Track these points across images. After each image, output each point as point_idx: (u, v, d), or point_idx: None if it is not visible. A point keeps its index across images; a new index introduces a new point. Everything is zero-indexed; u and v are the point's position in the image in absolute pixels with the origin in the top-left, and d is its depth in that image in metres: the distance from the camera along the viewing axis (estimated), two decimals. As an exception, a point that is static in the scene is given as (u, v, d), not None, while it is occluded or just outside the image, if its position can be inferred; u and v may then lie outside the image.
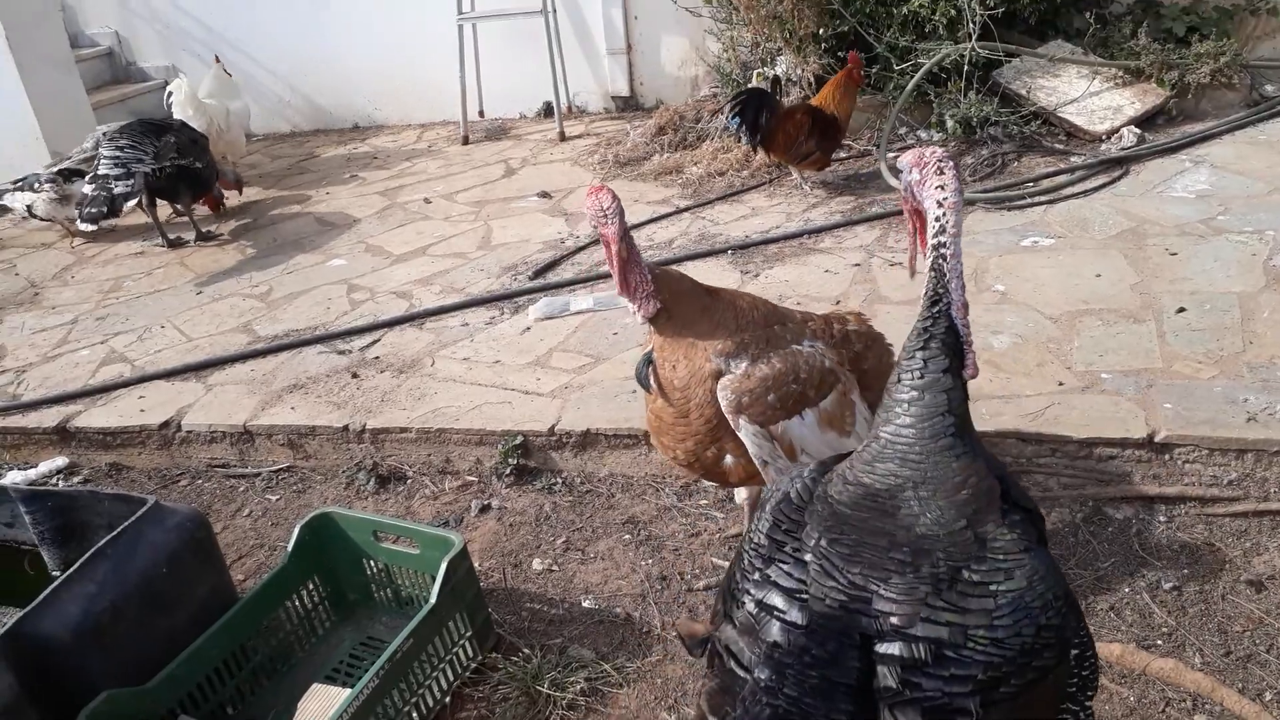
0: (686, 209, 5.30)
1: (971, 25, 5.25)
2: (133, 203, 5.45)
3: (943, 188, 1.59)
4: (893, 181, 5.08)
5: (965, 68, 5.34)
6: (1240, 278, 3.71)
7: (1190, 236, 4.09)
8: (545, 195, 5.85)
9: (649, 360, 2.43)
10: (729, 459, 2.42)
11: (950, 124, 5.47)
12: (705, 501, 3.22)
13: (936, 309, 1.56)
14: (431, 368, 4.00)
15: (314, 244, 5.59)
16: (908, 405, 1.54)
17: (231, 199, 6.38)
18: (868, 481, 1.54)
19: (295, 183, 6.95)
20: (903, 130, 5.79)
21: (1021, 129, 5.33)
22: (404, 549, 2.74)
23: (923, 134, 5.67)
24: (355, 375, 3.99)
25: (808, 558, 1.52)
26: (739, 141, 5.46)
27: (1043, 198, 4.70)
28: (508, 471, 3.42)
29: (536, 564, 3.05)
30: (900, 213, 4.69)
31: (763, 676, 1.48)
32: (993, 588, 1.40)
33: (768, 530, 1.60)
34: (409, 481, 3.53)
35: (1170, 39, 5.63)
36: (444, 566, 2.47)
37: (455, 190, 6.18)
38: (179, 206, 6.02)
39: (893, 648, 1.40)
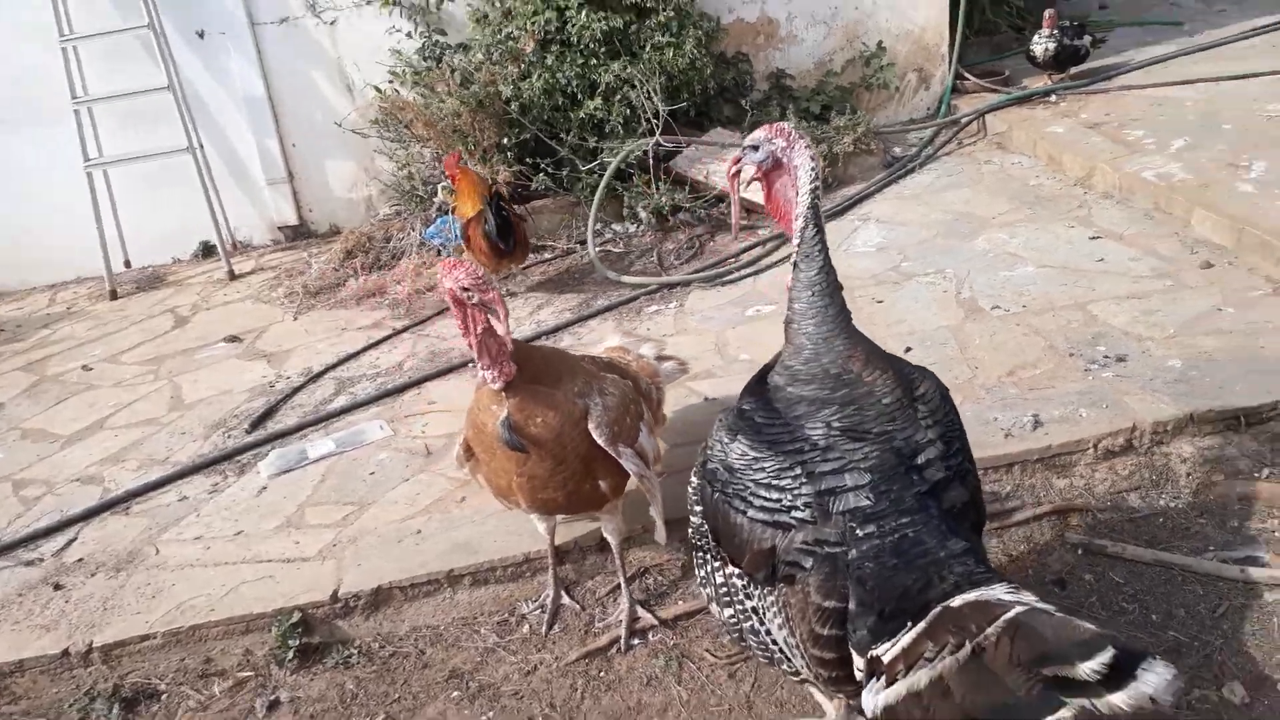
0: (405, 329, 5.01)
1: (654, 121, 5.52)
2: None
3: (808, 145, 2.17)
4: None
5: (651, 162, 5.58)
6: (942, 313, 4.12)
7: (886, 284, 4.51)
8: (234, 339, 5.27)
9: (509, 424, 2.45)
10: (602, 484, 2.64)
11: (644, 215, 5.68)
12: (526, 630, 2.94)
13: (817, 228, 2.12)
14: (157, 556, 3.37)
15: (-52, 441, 4.60)
16: (825, 309, 2.11)
17: None
18: (826, 368, 2.10)
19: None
20: (598, 226, 5.91)
21: (708, 211, 5.65)
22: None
23: (618, 227, 5.83)
24: (58, 586, 3.27)
25: (820, 440, 2.02)
26: (455, 253, 5.29)
27: (747, 271, 4.98)
28: (289, 656, 2.93)
29: (358, 755, 2.61)
30: (629, 301, 4.79)
31: (868, 530, 1.91)
32: (933, 405, 2.12)
33: (760, 456, 2.05)
34: (165, 697, 2.91)
35: (809, 117, 6.29)
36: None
37: (119, 351, 5.40)
38: None
39: (929, 454, 2.03)
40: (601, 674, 2.74)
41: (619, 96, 5.74)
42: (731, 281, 4.90)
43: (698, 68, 5.91)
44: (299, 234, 7.01)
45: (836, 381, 2.08)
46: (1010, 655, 1.52)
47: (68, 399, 4.86)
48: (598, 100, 5.73)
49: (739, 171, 2.37)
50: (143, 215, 6.71)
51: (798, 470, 2.00)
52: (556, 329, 4.69)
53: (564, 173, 5.79)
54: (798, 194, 2.17)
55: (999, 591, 1.69)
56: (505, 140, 5.81)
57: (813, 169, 2.14)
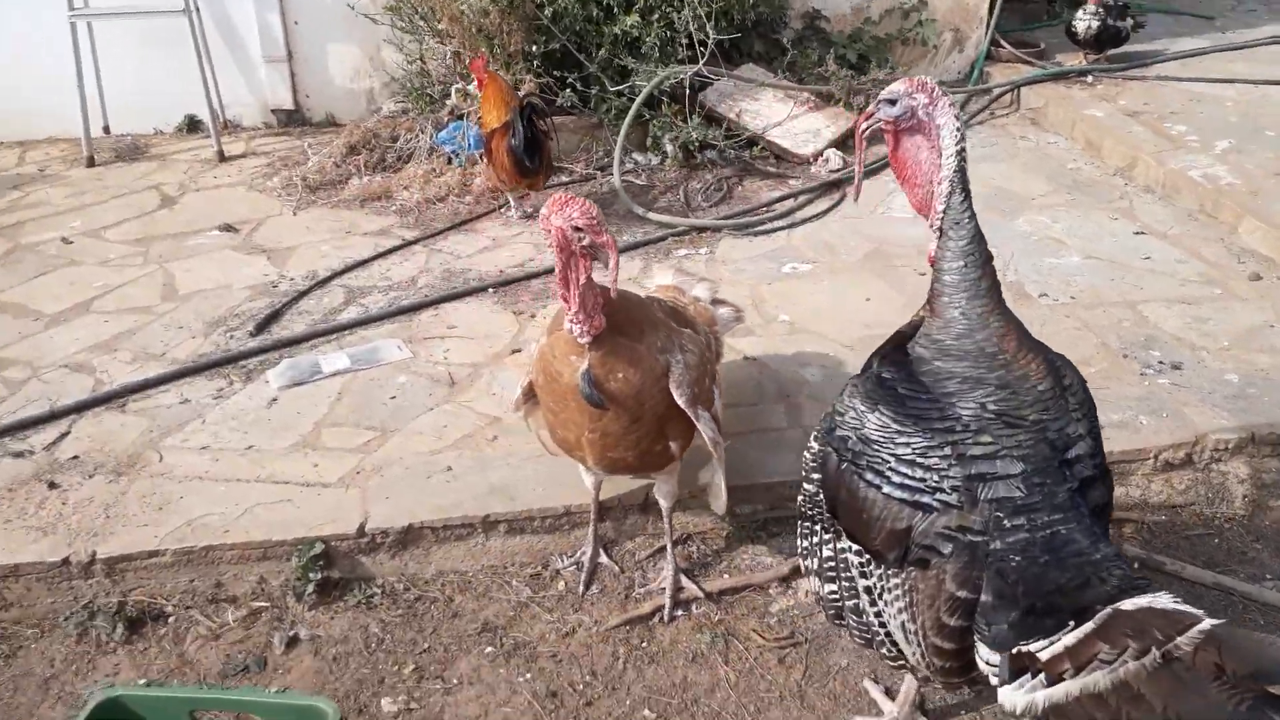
0: (416, 241, 4.74)
1: (700, 49, 5.25)
2: None
3: (952, 103, 2.03)
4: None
5: (687, 92, 5.32)
6: (988, 296, 4.01)
7: (926, 256, 4.37)
8: (230, 229, 4.95)
9: (590, 378, 2.30)
10: (673, 445, 2.52)
11: (670, 148, 5.44)
12: (562, 587, 2.82)
13: (965, 194, 2.00)
14: (161, 464, 3.15)
15: (-87, 304, 4.25)
16: (978, 282, 2.00)
17: None
18: (981, 346, 1.97)
19: None
20: (616, 153, 5.65)
21: (739, 154, 5.44)
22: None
23: (639, 158, 5.59)
24: (53, 485, 3.04)
25: (971, 421, 1.91)
26: (467, 164, 5.03)
27: (781, 223, 4.81)
28: (309, 590, 2.77)
29: (387, 705, 2.49)
30: (656, 241, 4.60)
31: (1016, 522, 1.83)
32: (1080, 397, 2.04)
33: (904, 430, 1.95)
34: (172, 620, 2.74)
35: (846, 65, 6.06)
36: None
37: (102, 226, 5.03)
38: None
39: (1080, 449, 1.95)
40: (644, 644, 2.64)
41: (658, 15, 5.44)
42: (765, 233, 4.73)
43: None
44: (293, 120, 6.60)
45: (992, 361, 1.98)
46: (1215, 668, 1.46)
47: (48, 273, 4.51)
48: (634, 16, 5.42)
49: (868, 129, 2.22)
50: (127, 78, 6.22)
51: (947, 450, 1.90)
52: (581, 261, 4.47)
53: (592, 91, 5.50)
54: (941, 155, 2.04)
55: (1166, 601, 1.63)
56: (533, 48, 5.48)
57: (958, 128, 2.02)
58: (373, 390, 3.52)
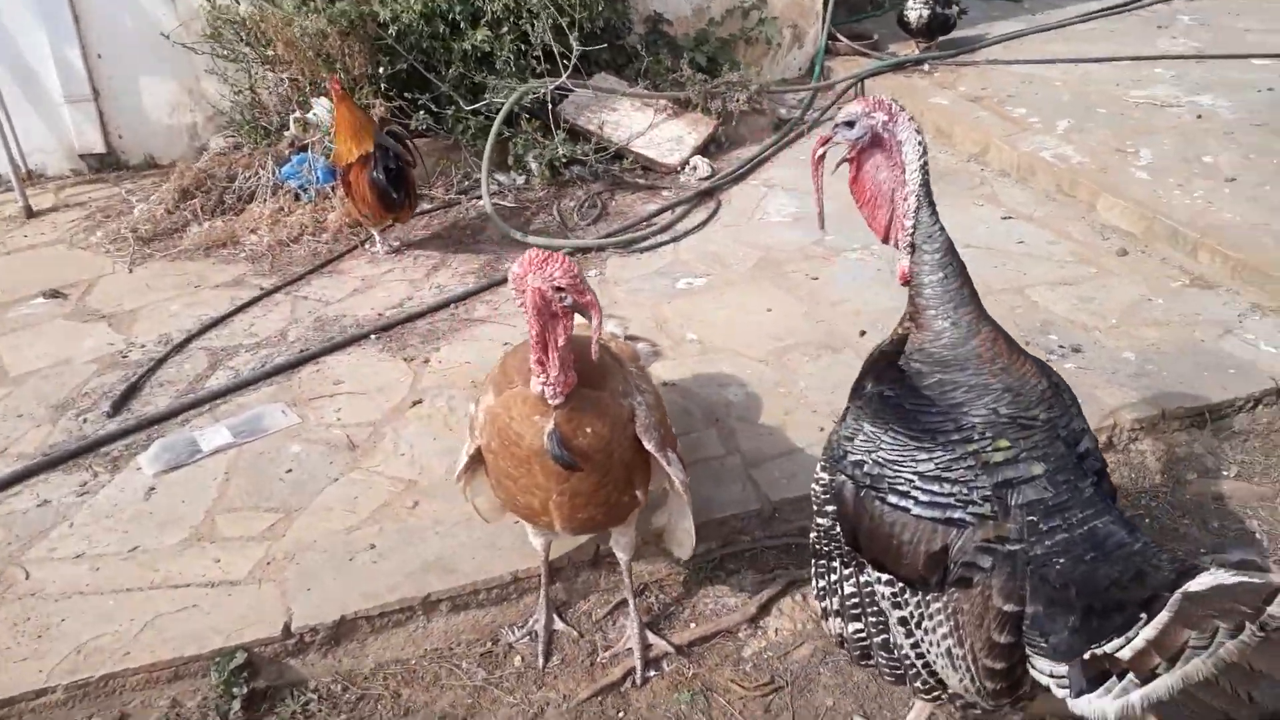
0: (276, 289, 4.35)
1: (563, 61, 5.06)
2: None
3: (911, 119, 2.03)
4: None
5: (549, 106, 5.14)
6: (884, 292, 4.03)
7: (816, 259, 4.38)
8: (57, 294, 4.40)
9: (559, 438, 2.11)
10: (639, 494, 2.36)
11: (535, 166, 5.24)
12: (519, 663, 2.61)
13: (932, 207, 2.02)
14: (29, 581, 2.74)
15: None
16: (959, 291, 2.01)
17: None
18: (976, 351, 1.97)
19: None
20: (476, 175, 5.40)
21: (607, 167, 5.30)
22: None
23: (502, 178, 5.35)
24: (-103, 626, 2.58)
25: (986, 429, 1.88)
26: (318, 199, 4.67)
27: (665, 237, 4.70)
28: (235, 708, 2.45)
29: (352, 830, 2.21)
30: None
31: (1052, 524, 1.80)
32: (1070, 393, 2.05)
33: (923, 445, 1.90)
34: (74, 770, 2.36)
35: (697, 69, 6.00)
36: None
37: (-106, 302, 4.39)
38: None
39: (1087, 443, 1.96)
40: (620, 714, 2.47)
41: (508, 28, 5.23)
42: (651, 248, 4.61)
43: (588, 3, 5.47)
44: (106, 164, 5.98)
45: (991, 366, 1.97)
46: None
47: None
48: (484, 31, 5.18)
49: (824, 154, 2.19)
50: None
51: (971, 461, 1.85)
52: (465, 296, 4.23)
53: (448, 111, 5.23)
54: (905, 171, 2.03)
55: (1229, 576, 1.59)
56: (379, 70, 5.16)
57: (919, 142, 2.01)
58: (264, 465, 3.18)
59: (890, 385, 2.05)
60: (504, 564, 2.71)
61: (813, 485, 2.13)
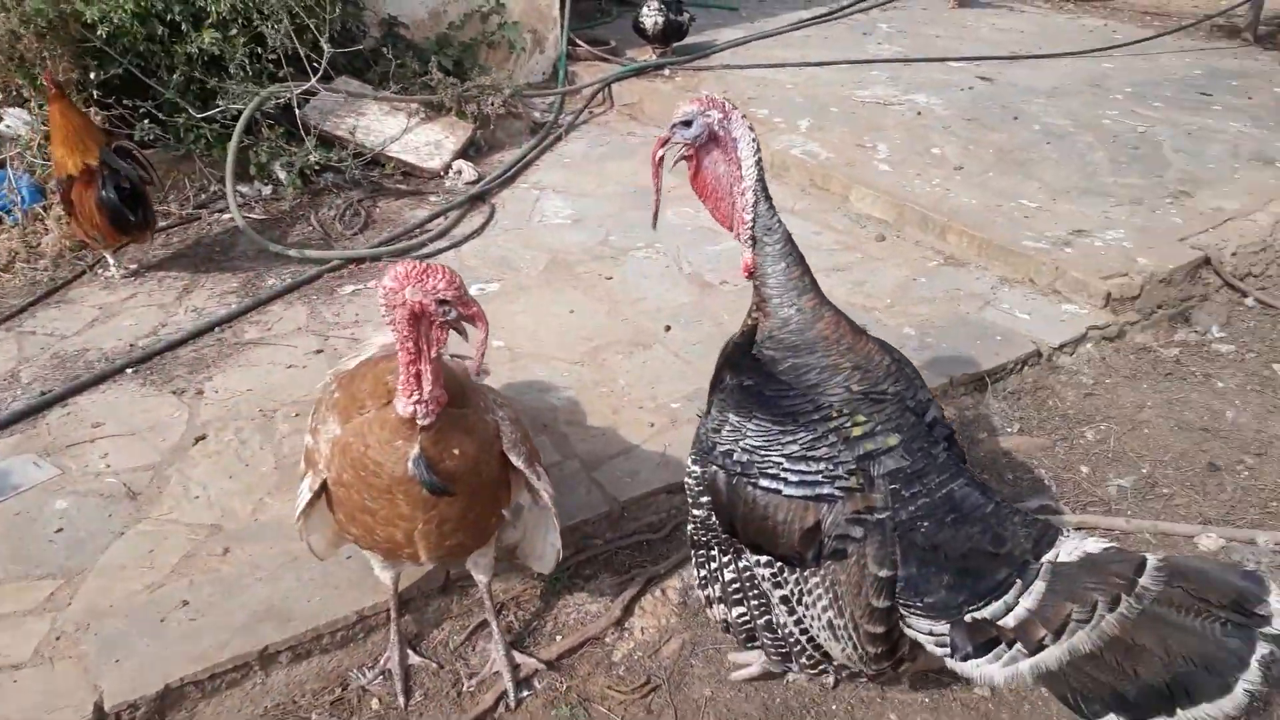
0: (-5, 325, 3.72)
1: (313, 65, 4.69)
2: None
3: (744, 116, 2.07)
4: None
5: (297, 112, 4.76)
6: (676, 289, 4.10)
7: (606, 259, 4.36)
8: None
9: (426, 463, 1.94)
10: (505, 513, 2.24)
11: (284, 175, 4.85)
12: (377, 705, 2.38)
13: (769, 200, 2.06)
14: None
15: None
16: (800, 279, 2.07)
17: None
18: (822, 334, 2.03)
19: None
20: (214, 187, 4.91)
21: (365, 173, 5.00)
22: None
23: (245, 189, 4.90)
24: None
25: (843, 405, 1.95)
26: (27, 220, 4.04)
27: (444, 243, 4.50)
28: (39, 819, 2.04)
29: None
30: (312, 280, 4.05)
31: (913, 490, 1.87)
32: (912, 368, 2.14)
33: (787, 429, 1.93)
34: None
35: (445, 73, 5.81)
36: None
37: None
38: None
39: (934, 411, 2.06)
40: (501, 742, 2.31)
41: (237, 30, 4.79)
42: (431, 256, 4.39)
43: (324, 6, 5.14)
44: None
45: (839, 346, 2.04)
46: (1194, 601, 1.56)
47: None
48: (212, 33, 4.72)
49: (663, 155, 2.19)
50: None
51: (833, 438, 1.91)
52: (232, 318, 3.81)
53: (179, 120, 4.71)
54: (741, 167, 2.08)
55: (1095, 544, 1.74)
56: (90, 75, 4.56)
57: (753, 139, 2.08)
58: (26, 526, 2.69)
59: (748, 375, 2.08)
60: (346, 603, 2.46)
61: (685, 479, 2.13)
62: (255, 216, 4.71)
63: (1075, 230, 4.40)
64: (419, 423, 1.91)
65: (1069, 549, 1.74)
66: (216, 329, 3.74)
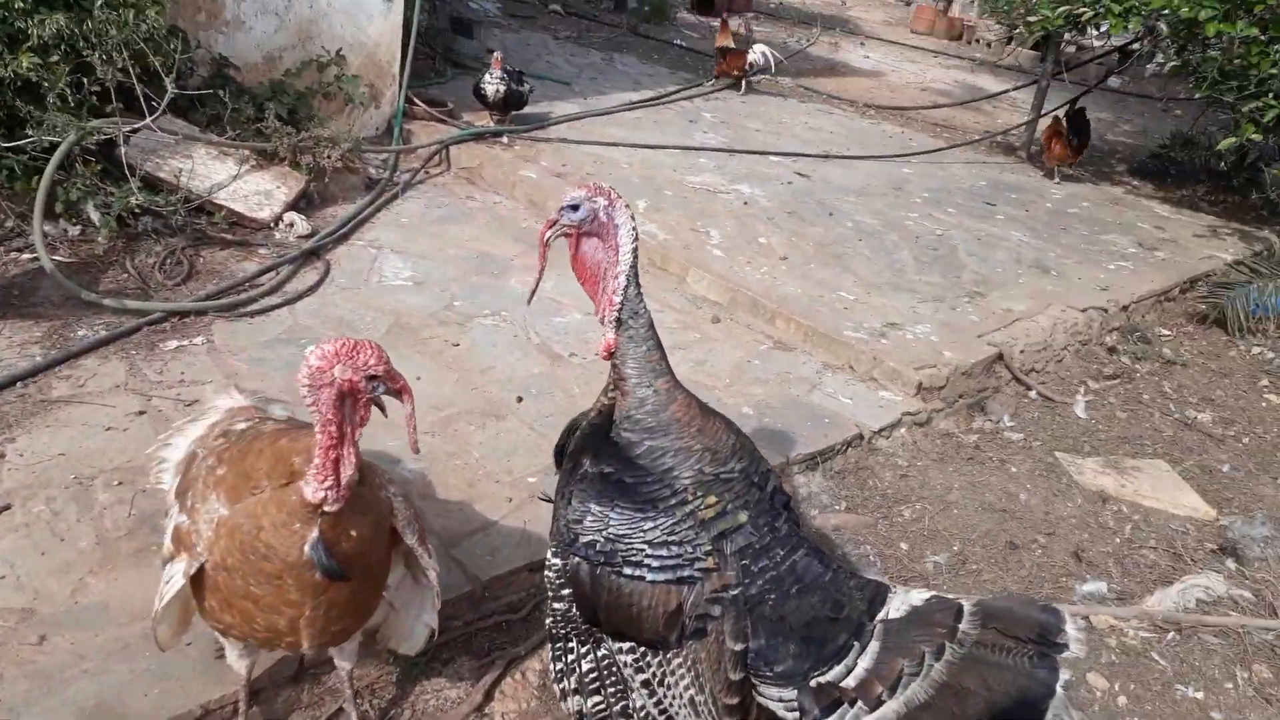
0: None
1: (149, 103, 4.40)
2: None
3: (627, 205, 2.14)
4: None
5: (121, 149, 4.44)
6: (526, 359, 4.10)
7: (451, 325, 4.31)
8: None
9: (324, 547, 1.87)
10: (385, 594, 2.19)
11: (95, 215, 4.49)
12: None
13: (638, 285, 2.15)
14: None
15: None
16: (659, 362, 2.13)
17: None
18: (676, 416, 2.09)
19: None
20: (10, 223, 4.50)
21: (189, 220, 4.72)
22: None
23: (49, 229, 4.50)
24: None
25: (696, 489, 2.01)
26: None
27: (276, 299, 4.30)
28: None
29: None
30: (130, 333, 3.76)
31: (761, 564, 1.97)
32: (750, 443, 2.20)
33: (647, 515, 1.99)
34: None
35: (279, 120, 5.59)
36: None
37: None
38: None
39: (773, 482, 2.15)
40: (363, 841, 2.19)
41: (59, 56, 4.45)
42: (262, 312, 4.18)
43: (156, 39, 4.86)
44: None
45: (689, 428, 2.11)
46: (1006, 639, 1.74)
47: None
48: (30, 57, 4.35)
49: (555, 236, 2.23)
50: None
51: (690, 521, 1.99)
52: (36, 372, 3.48)
53: (-26, 150, 4.30)
54: (618, 252, 2.16)
55: (918, 597, 1.91)
56: None
57: (633, 229, 2.15)
58: None
59: (608, 461, 2.13)
60: (189, 696, 2.28)
61: (545, 572, 2.14)
62: (61, 259, 4.33)
63: (889, 323, 4.76)
64: (326, 509, 1.82)
65: (897, 604, 1.90)
66: (20, 384, 3.40)
